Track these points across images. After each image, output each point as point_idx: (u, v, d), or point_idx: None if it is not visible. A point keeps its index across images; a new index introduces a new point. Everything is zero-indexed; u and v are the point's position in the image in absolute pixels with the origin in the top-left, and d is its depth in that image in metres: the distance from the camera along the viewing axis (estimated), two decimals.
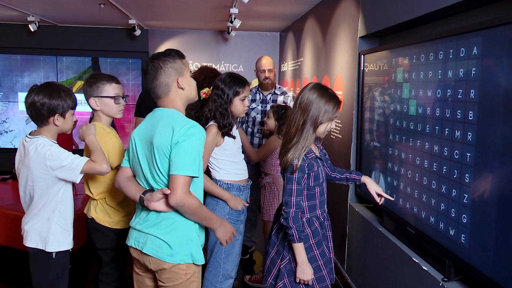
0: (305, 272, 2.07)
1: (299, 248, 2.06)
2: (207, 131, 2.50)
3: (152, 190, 1.89)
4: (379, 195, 2.26)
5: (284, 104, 3.81)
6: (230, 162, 2.61)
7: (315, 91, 2.06)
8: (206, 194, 2.68)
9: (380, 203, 2.29)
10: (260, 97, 3.96)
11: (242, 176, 2.67)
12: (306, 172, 2.06)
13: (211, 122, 2.53)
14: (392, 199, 2.36)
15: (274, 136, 3.34)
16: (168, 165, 1.80)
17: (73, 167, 2.11)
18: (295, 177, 2.03)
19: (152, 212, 1.89)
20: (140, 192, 1.89)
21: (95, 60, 7.14)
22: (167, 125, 1.81)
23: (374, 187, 2.27)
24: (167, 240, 1.86)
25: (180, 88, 1.88)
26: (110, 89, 2.37)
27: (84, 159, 2.13)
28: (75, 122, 2.31)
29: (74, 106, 2.22)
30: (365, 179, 2.31)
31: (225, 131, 2.53)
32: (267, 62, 3.92)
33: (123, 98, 2.42)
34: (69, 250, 2.27)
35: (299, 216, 2.06)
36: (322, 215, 2.20)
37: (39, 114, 2.13)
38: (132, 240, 1.95)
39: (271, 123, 3.35)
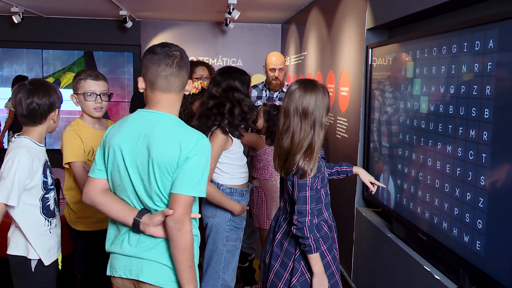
0: (322, 283, 2.10)
1: (316, 258, 2.08)
2: (214, 138, 2.48)
3: (147, 210, 1.76)
4: (372, 184, 2.39)
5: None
6: (236, 165, 2.63)
7: (306, 91, 2.07)
8: (202, 200, 2.69)
9: (373, 193, 2.43)
10: (266, 95, 3.94)
11: (245, 180, 2.70)
12: (316, 175, 2.08)
13: (216, 127, 2.50)
14: (385, 186, 2.55)
15: (256, 134, 3.32)
16: (170, 184, 1.69)
17: (2, 190, 2.07)
18: (308, 183, 2.04)
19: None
20: (133, 214, 1.74)
21: (89, 54, 7.12)
22: (172, 138, 1.69)
23: (368, 177, 2.40)
24: (169, 264, 1.74)
25: (186, 90, 1.83)
26: (85, 85, 2.48)
27: (9, 193, 2.08)
28: None
29: (62, 101, 2.33)
30: (357, 169, 2.41)
31: (243, 128, 2.58)
32: (278, 60, 3.82)
33: (99, 95, 2.49)
34: (52, 265, 2.26)
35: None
36: (329, 218, 2.23)
37: (38, 114, 2.20)
38: (121, 270, 1.80)
39: (260, 122, 3.33)
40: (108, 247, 1.87)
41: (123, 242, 1.80)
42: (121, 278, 1.81)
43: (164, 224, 1.70)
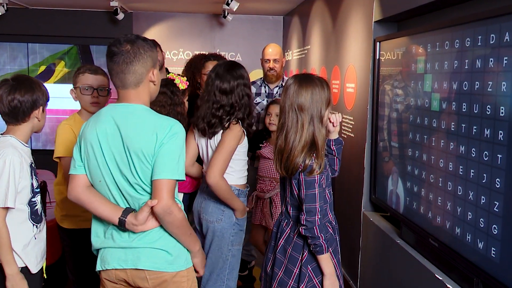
0: (334, 284, 2.14)
1: (328, 259, 2.13)
2: (232, 131, 2.53)
3: (131, 209, 1.87)
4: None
5: None
6: (243, 161, 2.67)
7: (302, 85, 2.10)
8: (203, 200, 2.71)
9: (335, 125, 2.28)
10: (265, 91, 3.97)
11: (246, 180, 2.75)
12: (323, 171, 2.11)
13: (233, 120, 2.56)
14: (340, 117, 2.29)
15: None
16: (150, 172, 1.83)
17: None
18: (317, 179, 2.08)
19: None
20: (117, 213, 1.86)
21: (85, 48, 7.08)
22: (146, 127, 1.82)
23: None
24: (165, 248, 1.89)
25: (151, 81, 1.91)
26: (83, 79, 2.56)
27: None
28: None
29: (48, 99, 2.33)
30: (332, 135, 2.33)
31: (252, 121, 2.64)
32: (273, 51, 3.92)
33: (96, 90, 2.56)
34: (38, 274, 2.25)
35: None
36: (334, 219, 2.26)
37: (20, 111, 2.20)
38: (115, 261, 1.91)
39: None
40: (96, 244, 1.97)
41: (113, 235, 1.91)
42: (115, 269, 1.91)
43: (153, 214, 1.84)
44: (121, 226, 1.86)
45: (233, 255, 2.67)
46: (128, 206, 1.90)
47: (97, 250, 1.99)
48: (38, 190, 2.29)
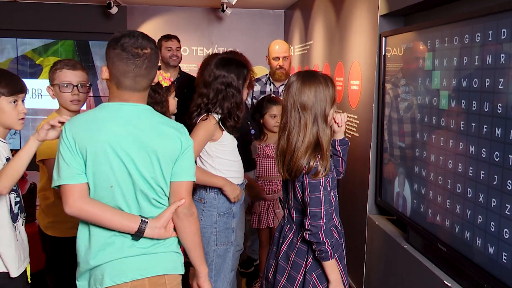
0: None
1: (333, 265, 2.12)
2: (205, 123, 2.53)
3: (145, 217, 1.86)
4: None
5: None
6: (228, 161, 2.65)
7: (305, 83, 2.10)
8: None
9: (340, 125, 2.29)
10: (271, 89, 3.96)
11: (239, 180, 2.72)
12: (328, 173, 2.11)
13: (214, 114, 2.55)
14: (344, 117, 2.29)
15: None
16: (170, 174, 1.90)
17: None
18: (322, 182, 2.07)
19: None
20: (136, 219, 1.83)
21: (84, 44, 7.05)
22: (170, 131, 1.89)
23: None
24: (177, 250, 1.97)
25: (153, 83, 1.97)
26: (61, 75, 2.48)
27: None
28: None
29: (13, 93, 2.13)
30: (337, 135, 2.34)
31: (233, 125, 2.59)
32: (282, 48, 3.89)
33: (76, 86, 2.49)
34: (20, 278, 2.20)
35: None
36: (339, 223, 2.26)
37: None
38: (133, 272, 1.85)
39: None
40: (100, 256, 1.85)
41: (123, 245, 1.85)
42: (133, 281, 1.85)
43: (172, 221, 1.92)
44: (140, 231, 1.83)
45: (219, 255, 2.65)
46: (140, 213, 1.88)
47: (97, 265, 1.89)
48: (15, 187, 2.17)
